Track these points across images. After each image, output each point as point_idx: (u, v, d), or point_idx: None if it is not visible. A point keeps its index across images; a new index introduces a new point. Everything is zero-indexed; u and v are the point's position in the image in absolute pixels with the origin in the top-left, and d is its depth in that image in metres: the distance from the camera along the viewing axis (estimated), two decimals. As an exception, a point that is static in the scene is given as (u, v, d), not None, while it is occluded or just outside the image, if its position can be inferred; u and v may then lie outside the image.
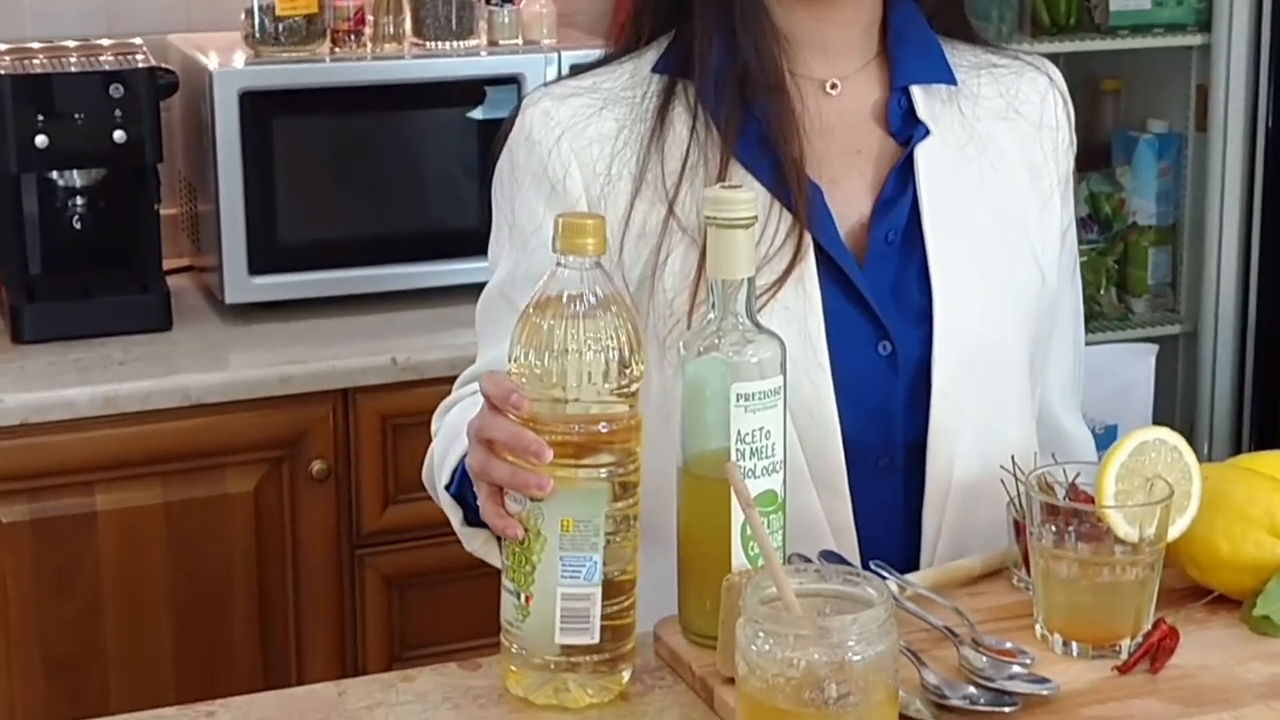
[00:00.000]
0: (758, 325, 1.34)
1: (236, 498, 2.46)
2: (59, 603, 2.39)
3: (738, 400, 1.32)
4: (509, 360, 1.31)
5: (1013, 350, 1.57)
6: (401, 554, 2.55)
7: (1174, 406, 3.07)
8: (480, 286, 2.62)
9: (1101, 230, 3.18)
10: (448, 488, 1.51)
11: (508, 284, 1.58)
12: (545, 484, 1.28)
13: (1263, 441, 3.01)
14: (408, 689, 1.36)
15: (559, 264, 1.30)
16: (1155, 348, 2.90)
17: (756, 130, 1.52)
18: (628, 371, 1.29)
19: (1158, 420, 2.93)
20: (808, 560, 1.39)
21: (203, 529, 2.44)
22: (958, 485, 1.53)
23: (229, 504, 2.46)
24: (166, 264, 2.67)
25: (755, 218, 1.32)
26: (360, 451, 2.51)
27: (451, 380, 2.47)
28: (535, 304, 1.30)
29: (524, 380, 1.29)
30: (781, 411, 1.34)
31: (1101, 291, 3.15)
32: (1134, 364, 2.85)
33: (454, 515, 1.52)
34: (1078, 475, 1.42)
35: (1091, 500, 1.36)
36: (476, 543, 1.52)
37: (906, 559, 1.53)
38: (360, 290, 2.67)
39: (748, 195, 1.32)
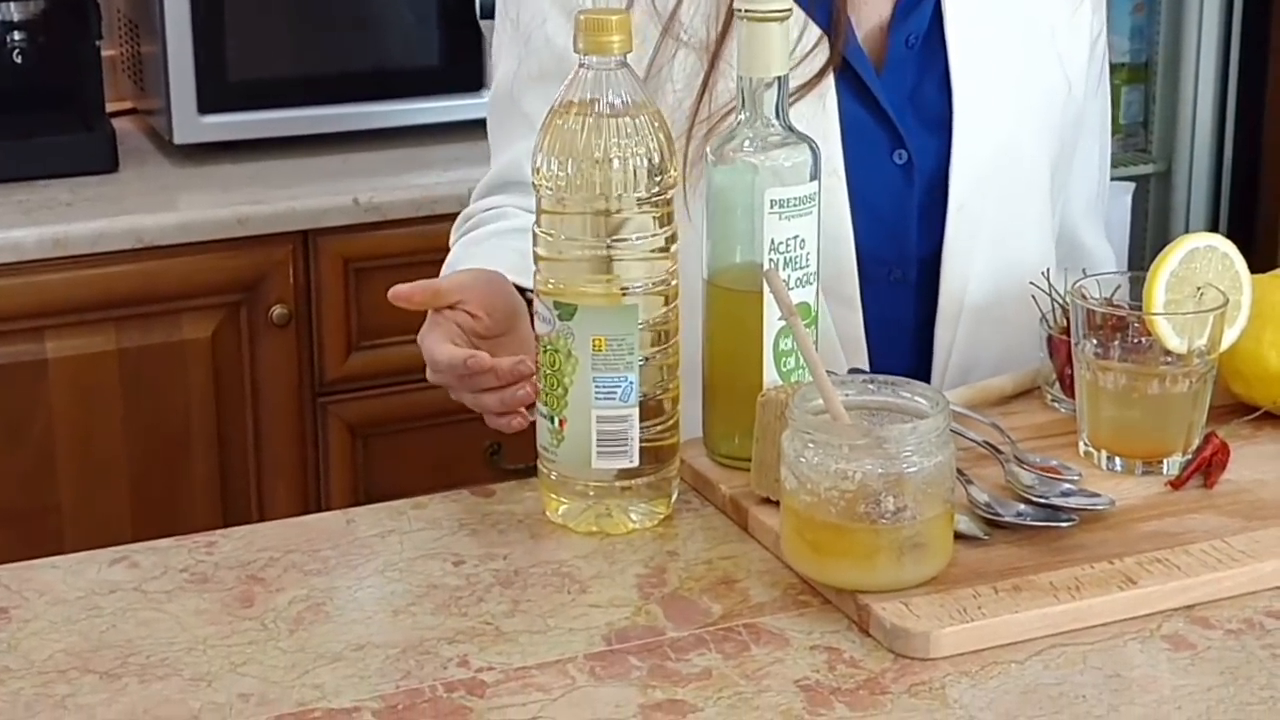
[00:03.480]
0: (790, 128, 1.26)
1: (193, 344, 2.36)
2: (9, 454, 2.30)
3: (771, 206, 1.24)
4: (531, 171, 1.22)
5: (1034, 163, 1.51)
6: (365, 402, 2.47)
7: (1145, 248, 3.02)
8: (441, 127, 2.59)
9: (1072, 69, 3.11)
10: None
11: (512, 83, 1.50)
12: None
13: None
14: (419, 516, 1.29)
15: (582, 65, 1.21)
16: (1132, 185, 2.84)
17: None
18: (662, 178, 1.20)
19: (1131, 263, 2.88)
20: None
21: (158, 377, 2.35)
22: (971, 303, 1.47)
23: (185, 350, 2.36)
24: (107, 107, 2.56)
25: (790, 11, 1.24)
26: (322, 296, 2.41)
27: (416, 221, 2.43)
28: (558, 108, 1.21)
29: (550, 191, 1.21)
30: (815, 220, 1.26)
31: (1071, 131, 3.08)
32: (1111, 201, 2.78)
33: None
34: (1115, 290, 1.35)
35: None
36: None
37: (916, 377, 1.45)
38: (316, 130, 2.55)
39: (783, -14, 1.23)
